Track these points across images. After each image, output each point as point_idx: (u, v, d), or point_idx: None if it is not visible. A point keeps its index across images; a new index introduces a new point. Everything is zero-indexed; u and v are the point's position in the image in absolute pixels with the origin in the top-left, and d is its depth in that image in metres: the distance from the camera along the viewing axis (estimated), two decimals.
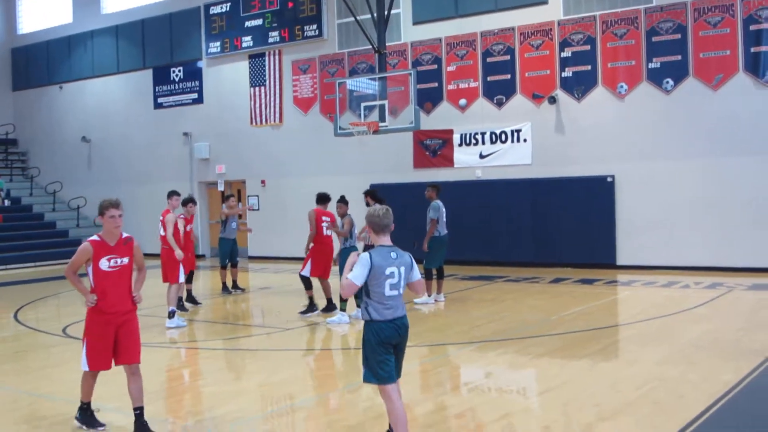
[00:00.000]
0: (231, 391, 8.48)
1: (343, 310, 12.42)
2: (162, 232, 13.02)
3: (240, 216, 18.11)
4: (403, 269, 6.09)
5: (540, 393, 8.18)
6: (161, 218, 13.09)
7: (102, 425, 7.12)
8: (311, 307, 13.15)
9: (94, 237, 6.95)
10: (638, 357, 9.41)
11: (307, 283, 13.24)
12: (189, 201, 14.23)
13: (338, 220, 13.20)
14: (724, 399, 7.43)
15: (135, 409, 6.87)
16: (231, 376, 9.57)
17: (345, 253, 12.57)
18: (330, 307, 13.06)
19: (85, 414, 7.18)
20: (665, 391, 7.80)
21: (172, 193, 13.42)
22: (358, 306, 12.62)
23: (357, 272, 5.94)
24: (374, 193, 15.13)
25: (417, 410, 7.40)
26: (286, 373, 9.30)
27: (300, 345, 11.26)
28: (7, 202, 27.74)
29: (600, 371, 8.78)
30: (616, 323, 12.01)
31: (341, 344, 11.65)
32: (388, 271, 5.99)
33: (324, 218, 13.18)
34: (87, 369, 7.02)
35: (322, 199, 13.52)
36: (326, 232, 13.17)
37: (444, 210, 14.32)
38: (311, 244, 13.12)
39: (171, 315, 12.52)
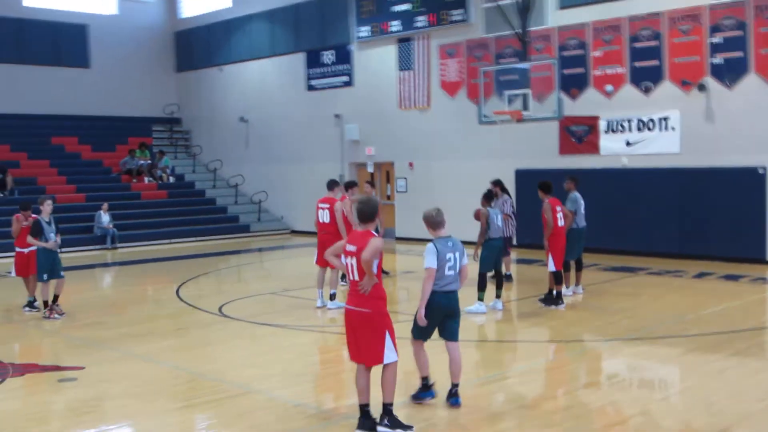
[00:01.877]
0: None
1: (480, 300, 12.81)
2: (326, 219, 13.54)
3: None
4: (458, 254, 7.77)
5: (660, 399, 8.32)
6: (327, 206, 13.56)
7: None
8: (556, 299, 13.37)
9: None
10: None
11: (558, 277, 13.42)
12: (352, 184, 14.99)
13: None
14: None
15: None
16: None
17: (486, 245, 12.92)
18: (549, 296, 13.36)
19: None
20: None
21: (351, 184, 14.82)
22: (498, 297, 13.08)
23: (429, 260, 7.60)
24: (502, 184, 15.49)
25: (546, 405, 7.78)
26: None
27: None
28: (171, 179, 29.58)
29: (726, 378, 8.83)
30: (752, 326, 11.86)
31: (477, 335, 12.05)
32: (447, 256, 7.66)
33: (557, 208, 13.33)
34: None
35: (549, 187, 13.50)
36: (560, 222, 13.34)
37: (582, 202, 14.39)
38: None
39: (332, 297, 13.36)
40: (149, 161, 29.30)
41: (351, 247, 7.10)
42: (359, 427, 7.11)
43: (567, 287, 14.21)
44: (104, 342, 11.24)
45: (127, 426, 7.83)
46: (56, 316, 12.94)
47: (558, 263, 13.20)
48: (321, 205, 13.62)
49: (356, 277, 7.07)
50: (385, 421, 7.07)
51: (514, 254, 16.33)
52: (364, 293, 7.03)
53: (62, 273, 13.27)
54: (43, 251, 13.00)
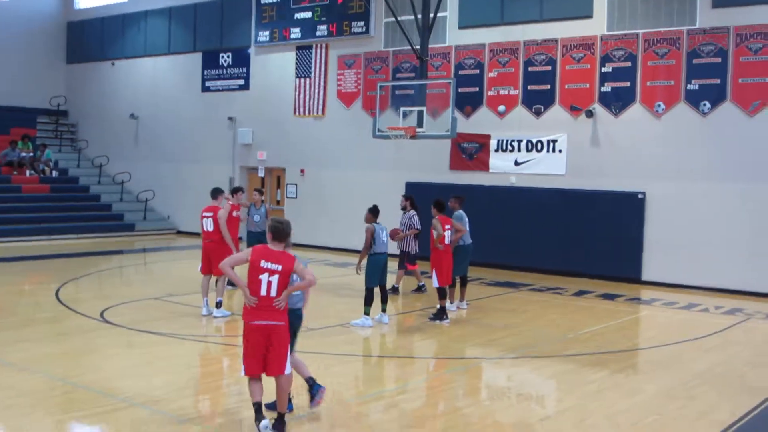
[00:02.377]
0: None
1: (366, 314, 12.91)
2: (210, 227, 13.54)
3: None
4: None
5: (541, 419, 8.57)
6: (211, 214, 13.56)
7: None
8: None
9: None
10: (642, 387, 9.79)
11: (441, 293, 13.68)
12: (238, 190, 15.47)
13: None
14: None
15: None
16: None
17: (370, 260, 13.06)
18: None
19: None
20: (661, 427, 8.20)
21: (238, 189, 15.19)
22: (383, 311, 13.22)
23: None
24: (413, 199, 15.83)
25: (427, 424, 7.90)
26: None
27: (321, 348, 11.69)
28: (54, 173, 28.61)
29: (602, 400, 9.17)
30: (628, 347, 12.37)
31: (362, 350, 12.14)
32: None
33: (447, 226, 13.60)
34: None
35: (443, 206, 13.87)
36: (447, 240, 13.60)
37: (467, 219, 14.74)
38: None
39: (219, 305, 13.29)
40: (31, 153, 28.26)
41: (273, 266, 7.38)
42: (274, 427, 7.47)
43: (452, 303, 14.51)
44: None
45: None
46: None
47: (442, 280, 13.49)
48: (205, 213, 13.69)
49: (273, 294, 7.36)
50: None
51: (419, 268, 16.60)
52: (280, 308, 7.37)
53: None
54: None
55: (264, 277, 7.35)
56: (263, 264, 7.38)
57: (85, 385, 9.12)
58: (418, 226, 15.73)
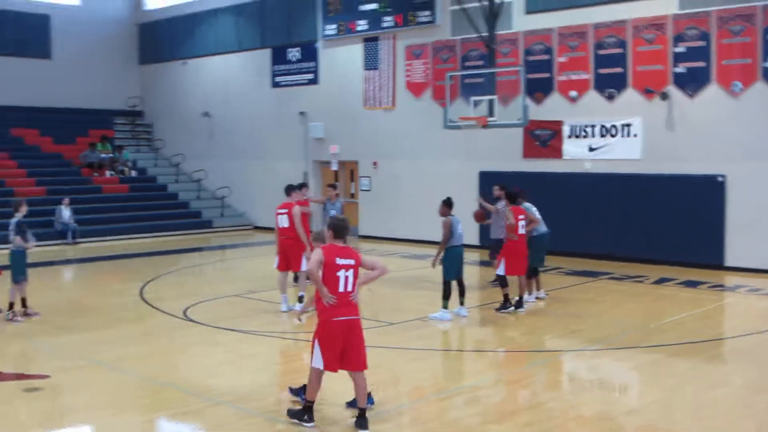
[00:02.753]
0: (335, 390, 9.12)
1: (444, 307, 12.92)
2: (286, 224, 13.66)
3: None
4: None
5: (625, 412, 8.45)
6: (285, 210, 13.67)
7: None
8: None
9: None
10: (728, 379, 9.62)
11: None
12: (303, 185, 15.40)
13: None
14: None
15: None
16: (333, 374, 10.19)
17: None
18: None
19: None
20: (749, 421, 8.03)
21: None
22: (462, 304, 13.21)
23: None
24: (507, 190, 15.47)
25: (511, 420, 7.90)
26: (381, 373, 9.91)
27: (401, 342, 11.76)
28: (133, 173, 29.29)
29: (687, 392, 9.03)
30: (712, 337, 12.11)
31: (441, 344, 12.16)
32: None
33: (520, 216, 13.48)
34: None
35: (514, 196, 13.78)
36: (521, 230, 13.50)
37: (535, 209, 14.50)
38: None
39: (301, 299, 13.45)
40: (110, 154, 28.98)
41: (347, 261, 7.62)
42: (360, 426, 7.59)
43: (530, 293, 14.42)
44: (69, 348, 11.14)
45: None
46: (18, 319, 12.80)
47: (510, 269, 13.46)
48: (279, 210, 13.83)
49: (350, 289, 7.61)
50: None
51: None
52: (355, 302, 7.70)
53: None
54: (21, 252, 12.92)
55: (341, 273, 7.56)
56: (338, 261, 7.57)
57: (172, 384, 9.36)
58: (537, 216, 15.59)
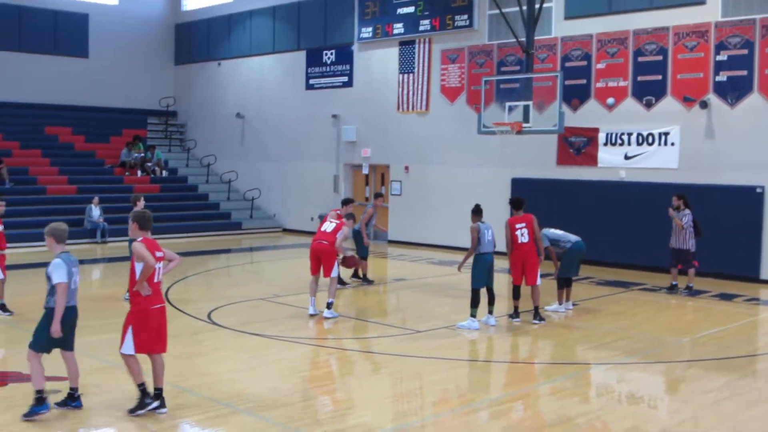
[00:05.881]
0: (359, 399, 8.91)
1: (473, 316, 12.66)
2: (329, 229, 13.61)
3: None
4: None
5: (658, 431, 8.17)
6: (337, 221, 13.65)
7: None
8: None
9: None
10: (766, 396, 9.25)
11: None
12: (349, 201, 15.77)
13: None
14: None
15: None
16: (358, 382, 10.00)
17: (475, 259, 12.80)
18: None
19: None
20: None
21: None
22: (490, 313, 12.94)
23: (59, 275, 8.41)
24: (685, 198, 15.98)
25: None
26: (411, 383, 9.67)
27: (427, 352, 11.52)
28: (164, 173, 29.33)
29: (722, 410, 8.68)
30: (749, 353, 11.72)
31: (468, 354, 11.90)
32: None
33: (517, 225, 13.19)
34: None
35: (520, 203, 13.51)
36: (520, 239, 13.21)
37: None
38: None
39: (329, 306, 13.31)
40: (142, 154, 29.03)
41: (160, 254, 8.33)
42: None
43: (560, 304, 14.16)
44: (89, 349, 11.00)
45: None
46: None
47: (514, 278, 13.34)
48: (331, 219, 13.89)
49: (161, 279, 8.54)
50: None
51: None
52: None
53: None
54: None
55: (158, 265, 8.39)
56: (158, 254, 8.35)
57: (191, 389, 9.18)
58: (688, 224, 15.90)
